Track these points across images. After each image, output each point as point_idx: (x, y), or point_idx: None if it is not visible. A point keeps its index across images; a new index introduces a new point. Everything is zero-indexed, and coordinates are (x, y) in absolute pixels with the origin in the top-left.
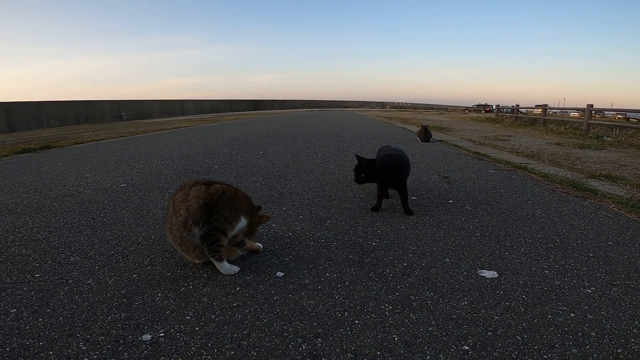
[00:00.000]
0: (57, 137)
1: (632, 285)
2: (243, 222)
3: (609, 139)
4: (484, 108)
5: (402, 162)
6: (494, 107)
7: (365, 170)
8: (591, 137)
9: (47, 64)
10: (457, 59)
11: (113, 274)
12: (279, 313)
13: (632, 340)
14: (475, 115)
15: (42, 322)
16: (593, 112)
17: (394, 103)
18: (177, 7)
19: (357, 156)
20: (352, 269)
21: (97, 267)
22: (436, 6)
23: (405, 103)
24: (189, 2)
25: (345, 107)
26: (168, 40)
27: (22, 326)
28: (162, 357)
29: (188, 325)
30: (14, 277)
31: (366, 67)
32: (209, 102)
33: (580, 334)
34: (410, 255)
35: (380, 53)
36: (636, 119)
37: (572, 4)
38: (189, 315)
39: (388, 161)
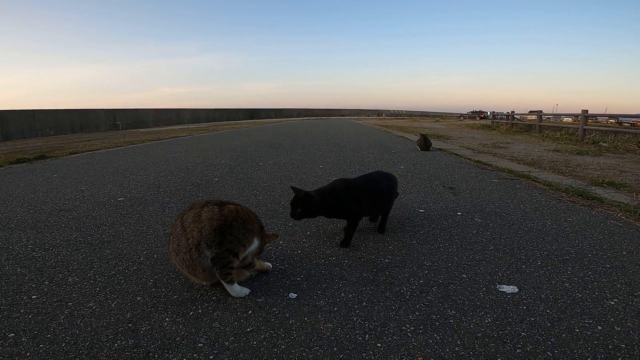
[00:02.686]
0: (52, 147)
1: None
2: (255, 244)
3: (605, 144)
4: (478, 115)
5: (346, 193)
6: (489, 113)
7: (300, 204)
8: (587, 142)
9: (41, 72)
10: (452, 66)
11: (115, 296)
12: (297, 338)
13: None
14: (470, 122)
15: (44, 349)
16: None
17: (390, 111)
18: (174, 16)
19: (292, 188)
20: (368, 288)
21: (97, 289)
22: (431, 14)
23: (401, 111)
24: (185, 11)
25: (342, 116)
26: (164, 48)
27: (22, 352)
28: None
29: (201, 354)
30: (9, 299)
31: (362, 75)
32: (205, 111)
33: (610, 346)
34: (426, 271)
35: (377, 61)
36: (629, 123)
37: (563, 10)
38: (201, 343)
39: (327, 191)
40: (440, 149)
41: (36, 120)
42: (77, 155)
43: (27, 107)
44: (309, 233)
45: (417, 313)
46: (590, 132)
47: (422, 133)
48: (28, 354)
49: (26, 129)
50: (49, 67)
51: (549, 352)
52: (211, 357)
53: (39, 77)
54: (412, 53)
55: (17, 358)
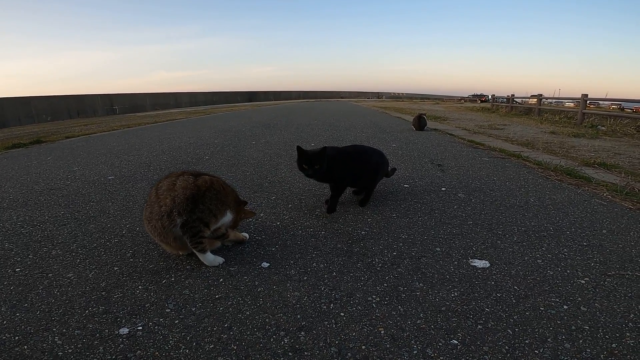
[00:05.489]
0: (48, 132)
1: (627, 276)
2: (228, 217)
3: (603, 128)
4: (479, 98)
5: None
6: (490, 97)
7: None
8: (585, 126)
9: (37, 61)
10: (453, 50)
11: (94, 267)
12: (262, 305)
13: (627, 334)
14: (471, 105)
15: (19, 317)
16: (588, 102)
17: (390, 93)
18: None
19: (298, 148)
20: (340, 259)
21: (78, 261)
22: None
23: (401, 93)
24: None
25: (341, 98)
26: (161, 32)
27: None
28: (138, 351)
29: (167, 319)
30: None
31: (362, 58)
32: (203, 94)
33: (573, 327)
34: (401, 244)
35: (376, 43)
36: (630, 109)
37: None
38: (169, 308)
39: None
40: (435, 129)
41: (32, 107)
42: (72, 139)
43: (23, 94)
44: (290, 206)
45: (385, 285)
46: (590, 116)
47: (420, 113)
48: (5, 322)
49: (22, 116)
50: (44, 55)
51: (509, 330)
52: (176, 322)
53: (34, 65)
54: (413, 36)
55: None
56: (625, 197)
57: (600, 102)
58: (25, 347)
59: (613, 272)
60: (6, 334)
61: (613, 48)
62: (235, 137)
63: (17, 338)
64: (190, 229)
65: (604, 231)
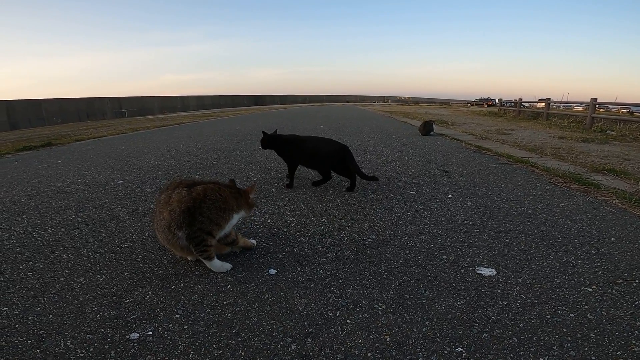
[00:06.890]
0: (58, 135)
1: (634, 284)
2: (235, 219)
3: (612, 132)
4: (486, 102)
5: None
6: (497, 101)
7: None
8: (595, 131)
9: (46, 62)
10: (459, 54)
11: (105, 271)
12: (270, 312)
13: (633, 342)
14: (477, 109)
15: (32, 321)
16: (597, 106)
17: (396, 97)
18: (178, 2)
19: (263, 132)
20: (347, 266)
21: (89, 265)
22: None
23: (408, 97)
24: None
25: (347, 102)
26: (169, 36)
27: (12, 324)
28: (149, 356)
29: (177, 324)
30: (7, 275)
31: (368, 61)
32: (210, 97)
33: (579, 335)
34: (407, 251)
35: (383, 47)
36: None
37: None
38: (178, 314)
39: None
40: (442, 134)
41: (43, 109)
42: (82, 142)
43: (33, 96)
44: (297, 212)
45: (392, 292)
46: (599, 120)
47: (426, 120)
48: (17, 325)
49: (33, 118)
50: (54, 56)
51: (514, 338)
52: (185, 327)
53: (44, 66)
54: (419, 39)
55: (7, 329)
56: (634, 204)
57: (609, 106)
58: (38, 350)
59: (621, 280)
60: (19, 338)
61: (623, 50)
62: (241, 142)
63: (29, 342)
64: (194, 239)
65: (613, 239)
